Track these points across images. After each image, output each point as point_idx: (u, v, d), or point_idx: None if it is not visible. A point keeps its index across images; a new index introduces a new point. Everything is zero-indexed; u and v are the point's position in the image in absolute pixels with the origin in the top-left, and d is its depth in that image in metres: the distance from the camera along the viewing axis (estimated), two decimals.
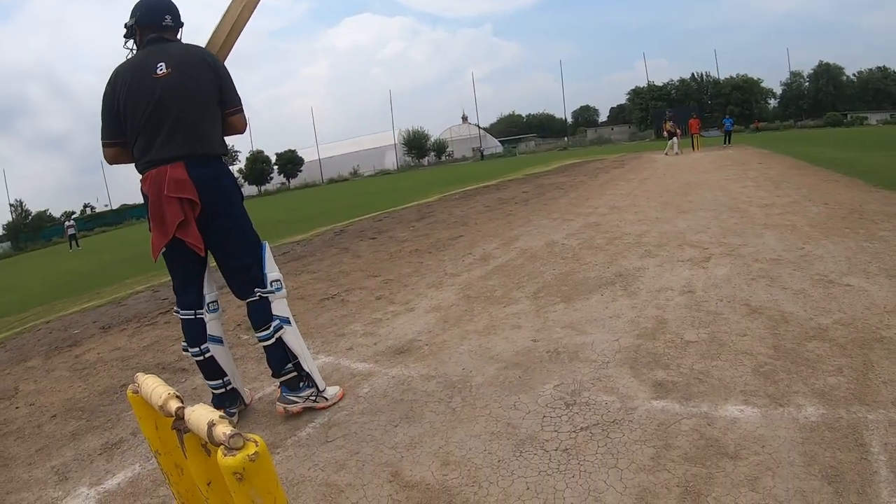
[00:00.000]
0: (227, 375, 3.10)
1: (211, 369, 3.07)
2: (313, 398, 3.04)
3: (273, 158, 71.57)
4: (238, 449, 1.10)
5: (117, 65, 2.86)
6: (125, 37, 2.93)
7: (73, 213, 69.74)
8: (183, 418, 1.28)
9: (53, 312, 8.20)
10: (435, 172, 46.32)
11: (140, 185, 2.88)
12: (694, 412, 2.66)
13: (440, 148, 75.83)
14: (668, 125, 28.48)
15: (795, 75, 72.27)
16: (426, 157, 74.07)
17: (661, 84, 75.71)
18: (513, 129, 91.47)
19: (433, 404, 3.05)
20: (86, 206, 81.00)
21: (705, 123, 47.23)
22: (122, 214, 64.43)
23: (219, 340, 3.08)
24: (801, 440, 2.35)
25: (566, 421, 2.71)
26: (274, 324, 2.98)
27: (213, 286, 3.13)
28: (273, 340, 2.99)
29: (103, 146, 2.87)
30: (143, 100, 2.75)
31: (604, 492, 2.16)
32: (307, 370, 3.05)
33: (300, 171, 71.49)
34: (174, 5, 2.95)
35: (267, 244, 3.11)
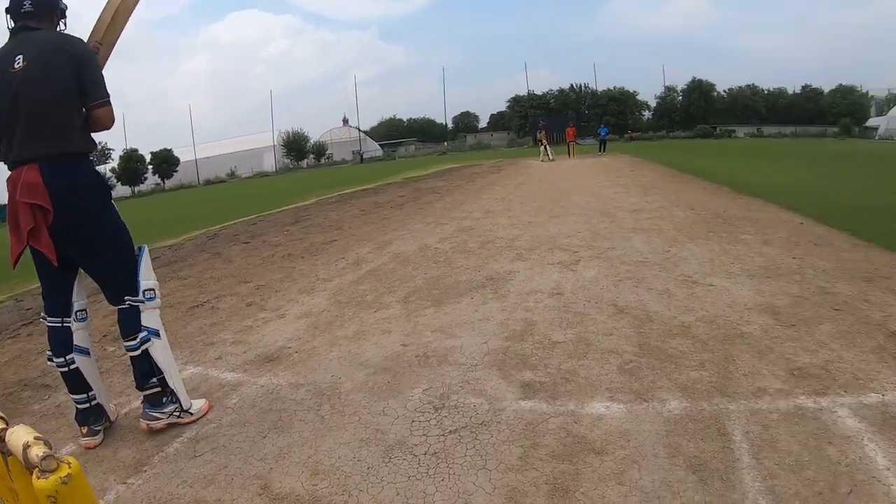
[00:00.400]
0: (92, 390, 2.99)
1: (76, 382, 2.97)
2: (177, 414, 3.01)
3: (148, 157, 67.72)
4: (51, 471, 1.09)
5: None
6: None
7: None
8: (4, 440, 1.23)
9: None
10: (314, 175, 45.90)
11: None
12: (561, 410, 2.84)
13: (320, 150, 75.52)
14: (542, 134, 31.19)
15: (669, 90, 79.17)
16: (305, 160, 73.41)
17: (541, 93, 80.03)
18: (393, 133, 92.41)
19: (302, 413, 3.11)
20: None
21: (582, 132, 50.30)
22: None
23: (85, 352, 2.99)
24: (666, 433, 2.58)
25: (435, 424, 2.82)
26: (141, 335, 2.92)
27: (82, 294, 3.00)
28: (139, 352, 2.92)
29: None
30: (2, 96, 2.65)
31: (473, 493, 2.26)
32: (172, 387, 2.99)
33: (176, 171, 68.12)
34: None
35: (146, 249, 3.03)
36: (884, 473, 2.21)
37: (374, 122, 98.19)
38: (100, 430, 3.02)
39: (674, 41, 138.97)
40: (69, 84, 2.72)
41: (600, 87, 79.09)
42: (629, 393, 2.97)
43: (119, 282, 2.93)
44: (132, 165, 66.39)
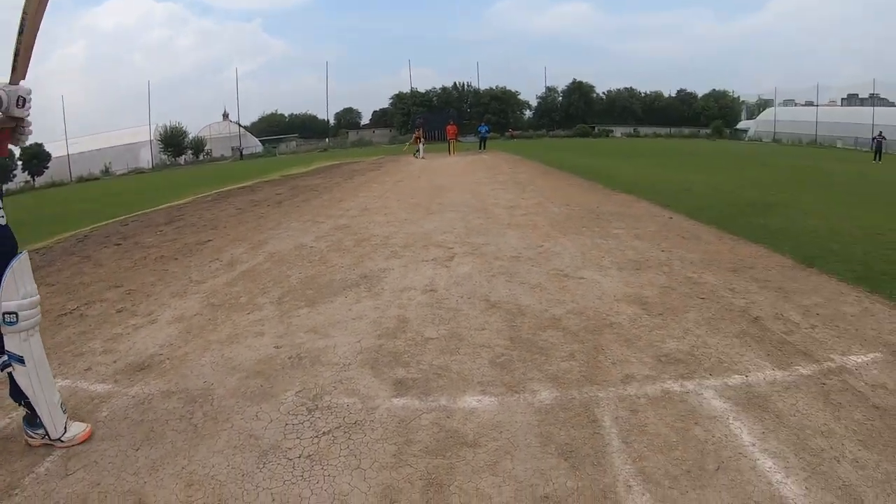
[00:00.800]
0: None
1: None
2: (49, 439, 2.85)
3: (17, 153, 62.04)
4: None
5: None
6: None
7: None
8: None
9: None
10: (191, 172, 44.22)
11: None
12: (433, 406, 2.88)
13: (198, 146, 72.61)
14: (418, 132, 31.86)
15: (550, 90, 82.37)
16: (183, 156, 70.30)
17: (424, 90, 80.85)
18: (274, 129, 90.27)
19: (174, 422, 3.04)
20: None
21: (464, 130, 51.13)
22: None
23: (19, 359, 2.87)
24: (537, 423, 2.67)
25: (308, 427, 2.80)
26: (2, 359, 2.75)
27: None
28: (4, 373, 2.76)
29: None
30: None
31: (348, 494, 2.27)
32: (39, 414, 2.81)
33: (47, 167, 62.93)
34: None
35: (15, 263, 2.75)
36: (749, 449, 2.39)
37: (255, 118, 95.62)
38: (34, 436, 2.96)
39: (556, 43, 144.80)
40: None
41: (483, 86, 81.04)
42: (501, 386, 3.04)
43: None
44: (1, 162, 61.63)
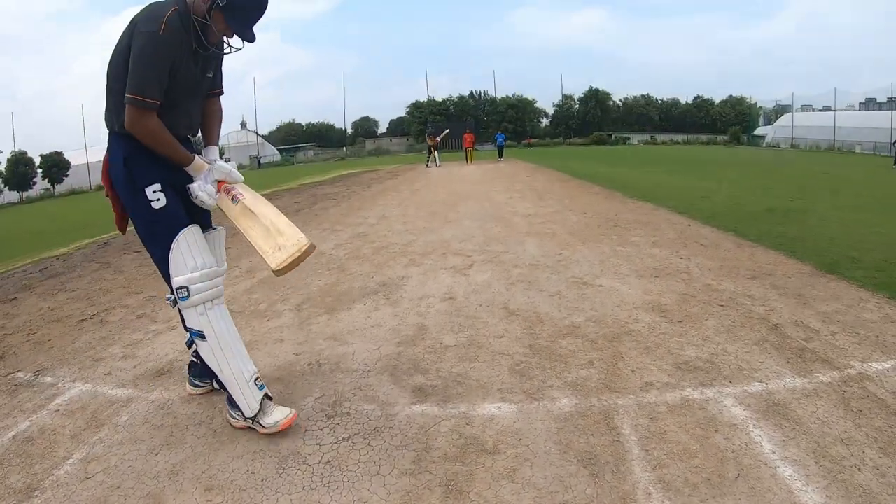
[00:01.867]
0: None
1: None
2: (249, 422, 2.85)
3: (37, 161, 63.12)
4: None
5: None
6: None
7: None
8: None
9: None
10: None
11: None
12: (452, 413, 2.89)
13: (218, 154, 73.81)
14: (430, 140, 31.86)
15: (567, 98, 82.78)
16: None
17: (440, 99, 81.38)
18: (292, 138, 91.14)
19: (194, 427, 3.06)
20: None
21: (481, 138, 51.33)
22: None
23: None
24: (557, 430, 2.67)
25: (328, 433, 2.81)
26: (188, 338, 2.82)
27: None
28: (193, 351, 2.86)
29: None
30: None
31: (368, 500, 2.28)
32: (230, 392, 2.82)
33: (66, 175, 63.93)
34: None
35: (181, 237, 2.75)
36: (770, 457, 2.37)
37: (273, 127, 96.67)
38: (200, 385, 3.30)
39: (573, 51, 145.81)
40: (121, 61, 2.63)
41: (500, 95, 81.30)
42: (520, 393, 3.05)
43: (162, 271, 2.84)
44: (21, 169, 62.40)
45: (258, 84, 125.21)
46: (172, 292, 2.78)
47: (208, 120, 3.07)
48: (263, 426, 2.79)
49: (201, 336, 2.77)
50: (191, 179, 2.83)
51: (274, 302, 5.24)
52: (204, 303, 2.75)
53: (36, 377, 4.09)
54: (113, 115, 2.69)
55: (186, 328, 2.83)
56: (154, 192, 2.71)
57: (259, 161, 70.65)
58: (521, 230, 7.85)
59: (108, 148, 2.79)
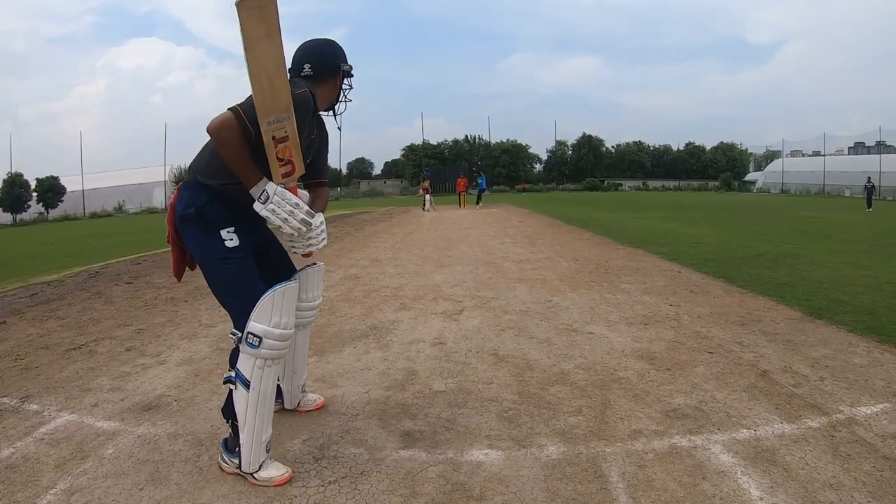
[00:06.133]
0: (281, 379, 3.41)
1: None
2: (240, 471, 2.84)
3: (33, 184, 63.48)
4: None
5: None
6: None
7: None
8: None
9: None
10: None
11: None
12: (440, 459, 2.87)
13: None
14: (425, 185, 31.56)
15: (560, 144, 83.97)
16: None
17: (435, 143, 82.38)
18: None
19: (180, 464, 3.04)
20: None
21: (474, 182, 51.84)
22: None
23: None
24: (544, 477, 2.66)
25: (315, 475, 2.80)
26: (230, 374, 2.80)
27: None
28: (226, 387, 2.86)
29: None
30: None
31: None
32: (241, 441, 2.80)
33: (61, 201, 64.27)
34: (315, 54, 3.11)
35: (283, 289, 2.81)
36: None
37: None
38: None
39: (566, 97, 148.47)
40: None
41: (493, 139, 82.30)
42: (508, 440, 3.04)
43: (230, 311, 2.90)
44: (16, 191, 62.59)
45: None
46: (240, 331, 2.78)
47: (315, 201, 3.17)
48: (255, 479, 2.77)
49: (245, 384, 2.76)
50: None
51: None
52: (266, 359, 2.76)
53: (22, 403, 4.08)
54: (202, 159, 2.89)
55: (233, 368, 2.82)
56: (228, 232, 2.81)
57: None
58: (513, 276, 7.89)
59: (181, 194, 2.88)
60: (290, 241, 2.93)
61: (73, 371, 4.71)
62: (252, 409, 2.76)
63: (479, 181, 35.13)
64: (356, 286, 7.72)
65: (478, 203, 32.20)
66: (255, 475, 2.76)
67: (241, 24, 2.52)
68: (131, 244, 16.98)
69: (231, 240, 2.81)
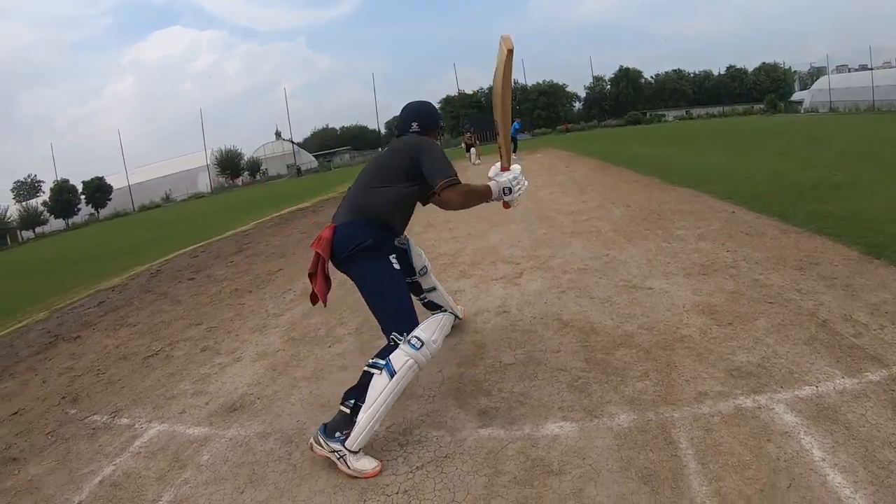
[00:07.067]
0: (444, 307, 4.36)
1: (433, 308, 4.35)
2: (337, 456, 3.02)
3: (80, 188, 65.37)
4: None
5: None
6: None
7: None
8: None
9: None
10: (250, 192, 44.99)
11: None
12: (518, 435, 3.02)
13: (254, 166, 74.59)
14: (466, 136, 30.48)
15: (598, 79, 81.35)
16: (240, 177, 72.31)
17: (471, 92, 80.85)
18: (328, 143, 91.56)
19: (274, 463, 3.18)
20: None
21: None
22: None
23: (432, 289, 4.37)
24: (617, 447, 2.79)
25: (402, 462, 2.97)
26: (380, 362, 3.10)
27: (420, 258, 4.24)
28: (364, 371, 3.14)
29: None
30: None
31: None
32: (357, 419, 3.03)
33: (109, 199, 66.03)
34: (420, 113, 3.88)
35: (447, 318, 3.39)
36: (819, 465, 2.47)
37: (307, 133, 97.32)
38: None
39: (600, 30, 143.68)
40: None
41: (529, 82, 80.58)
42: (580, 411, 3.16)
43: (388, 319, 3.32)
44: (65, 197, 64.22)
45: (288, 93, 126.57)
46: (392, 334, 3.17)
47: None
48: (349, 466, 2.96)
49: (391, 374, 3.03)
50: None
51: (332, 327, 5.37)
52: (417, 363, 3.07)
53: (112, 419, 4.20)
54: (382, 209, 3.46)
55: (384, 358, 3.10)
56: (393, 258, 3.40)
57: (299, 169, 70.58)
58: (567, 230, 7.87)
59: (349, 232, 3.36)
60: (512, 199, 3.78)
61: (155, 379, 4.84)
62: (384, 397, 3.01)
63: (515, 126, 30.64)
64: None
65: (514, 151, 27.96)
66: (350, 463, 2.95)
67: (504, 66, 3.63)
68: (186, 234, 17.19)
69: (395, 264, 3.39)
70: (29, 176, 78.71)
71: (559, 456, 2.79)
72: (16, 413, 4.69)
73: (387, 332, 3.24)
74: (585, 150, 25.96)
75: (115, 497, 3.14)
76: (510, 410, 3.28)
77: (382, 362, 3.07)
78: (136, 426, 4.00)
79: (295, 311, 6.15)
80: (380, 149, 78.29)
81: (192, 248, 13.42)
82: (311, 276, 3.46)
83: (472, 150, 29.02)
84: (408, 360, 3.05)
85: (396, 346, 3.11)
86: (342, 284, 6.75)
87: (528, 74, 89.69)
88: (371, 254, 3.35)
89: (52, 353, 6.38)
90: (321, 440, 3.06)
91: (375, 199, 3.46)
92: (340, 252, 3.35)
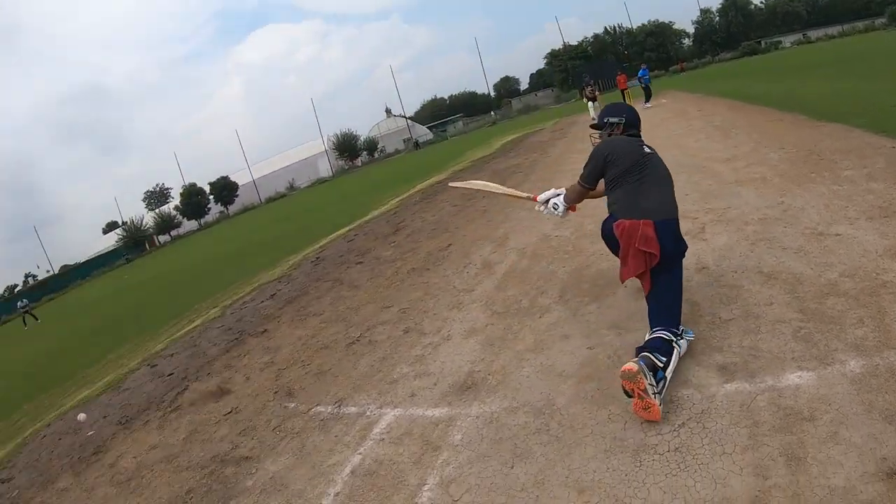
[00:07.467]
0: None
1: None
2: (655, 390, 2.96)
3: (207, 188, 70.03)
4: None
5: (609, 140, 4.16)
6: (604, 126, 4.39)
7: (16, 285, 68.41)
8: None
9: (46, 411, 7.41)
10: (372, 171, 44.88)
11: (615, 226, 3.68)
12: (763, 387, 3.04)
13: (371, 146, 75.82)
14: (587, 90, 27.25)
15: (705, 12, 75.57)
16: (359, 158, 73.89)
17: (576, 42, 77.70)
18: (440, 113, 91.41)
19: (534, 436, 3.12)
20: (27, 276, 78.82)
21: (629, 73, 48.54)
22: (67, 277, 62.34)
23: None
24: (856, 392, 2.81)
25: (663, 422, 2.92)
26: (680, 340, 3.35)
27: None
28: (654, 335, 3.32)
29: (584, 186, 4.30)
30: (636, 163, 3.80)
31: (727, 477, 2.47)
32: (665, 375, 3.09)
33: (237, 196, 70.33)
34: None
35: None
36: None
37: (417, 107, 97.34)
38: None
39: None
40: None
41: (634, 24, 76.08)
42: (812, 360, 3.13)
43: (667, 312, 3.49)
44: (195, 199, 67.98)
45: (393, 69, 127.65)
46: (667, 327, 3.34)
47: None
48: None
49: (678, 350, 3.30)
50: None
51: (534, 297, 5.20)
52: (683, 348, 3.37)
53: (339, 408, 4.08)
54: (675, 204, 3.77)
55: (680, 336, 3.37)
56: None
57: (417, 142, 70.33)
58: (730, 179, 7.43)
59: (667, 230, 3.54)
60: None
61: (368, 365, 4.69)
62: (673, 361, 3.20)
63: (641, 74, 27.20)
64: (583, 218, 6.89)
65: (647, 102, 25.52)
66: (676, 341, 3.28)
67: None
68: (325, 221, 17.17)
69: None
70: (157, 185, 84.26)
71: (807, 403, 2.81)
72: (230, 412, 4.73)
73: (659, 325, 3.37)
74: (710, 89, 24.15)
75: (375, 485, 3.09)
76: (747, 364, 3.25)
77: (681, 340, 3.34)
78: (368, 413, 3.87)
79: (485, 285, 5.92)
80: (492, 112, 76.88)
81: (342, 231, 13.21)
82: (642, 274, 3.52)
83: (593, 103, 25.99)
84: (679, 350, 3.30)
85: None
86: (521, 252, 6.61)
87: (632, 17, 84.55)
88: (681, 249, 3.67)
89: (242, 349, 6.40)
90: (645, 372, 2.97)
91: (674, 198, 3.84)
92: (670, 251, 3.52)
